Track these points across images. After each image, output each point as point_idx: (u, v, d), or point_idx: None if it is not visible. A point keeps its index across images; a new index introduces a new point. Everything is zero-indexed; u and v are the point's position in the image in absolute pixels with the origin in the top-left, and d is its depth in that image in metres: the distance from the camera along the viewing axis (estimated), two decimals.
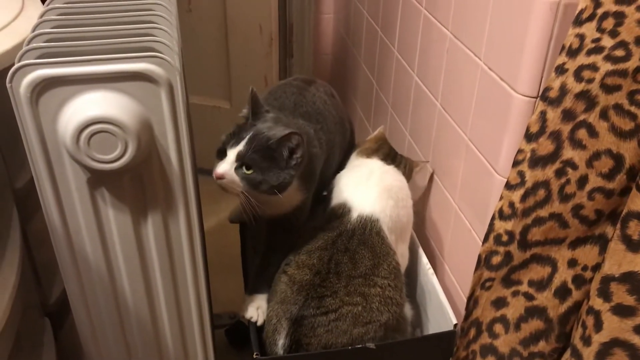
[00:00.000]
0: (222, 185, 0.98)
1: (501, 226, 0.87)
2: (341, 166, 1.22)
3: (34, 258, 1.15)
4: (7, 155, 1.05)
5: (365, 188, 1.11)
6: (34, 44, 0.82)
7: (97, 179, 0.84)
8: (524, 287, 0.87)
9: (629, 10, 0.72)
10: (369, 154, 1.19)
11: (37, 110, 0.78)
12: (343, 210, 1.09)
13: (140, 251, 0.92)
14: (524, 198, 0.83)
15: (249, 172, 0.96)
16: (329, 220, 1.09)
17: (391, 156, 1.19)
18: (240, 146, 0.98)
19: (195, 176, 0.93)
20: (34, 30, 0.87)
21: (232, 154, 0.98)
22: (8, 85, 0.76)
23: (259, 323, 1.06)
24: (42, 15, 0.91)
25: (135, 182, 0.86)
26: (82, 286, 0.94)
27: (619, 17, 0.73)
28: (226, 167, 0.97)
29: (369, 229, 1.06)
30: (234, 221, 1.24)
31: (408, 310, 1.12)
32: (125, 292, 0.96)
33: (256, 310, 1.06)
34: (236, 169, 0.97)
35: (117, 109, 0.78)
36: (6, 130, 1.02)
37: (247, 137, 0.98)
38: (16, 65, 0.76)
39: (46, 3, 0.97)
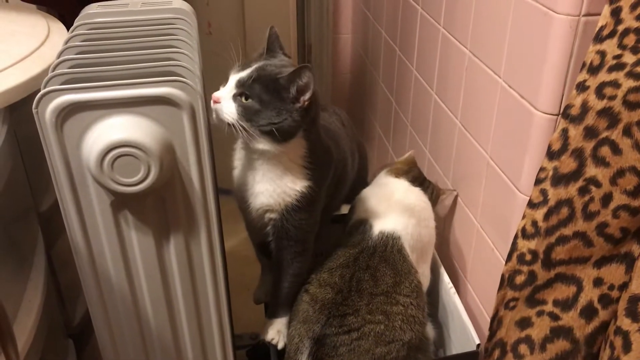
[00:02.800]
0: (216, 112, 0.91)
1: (524, 245, 0.86)
2: (348, 198, 1.20)
3: (58, 280, 1.16)
4: (32, 178, 1.07)
5: (388, 205, 1.11)
6: (59, 70, 0.83)
7: (121, 202, 0.85)
8: (549, 307, 0.86)
9: None
10: (398, 174, 1.19)
11: (62, 134, 0.80)
12: (365, 227, 1.09)
13: (162, 272, 0.93)
14: (547, 216, 0.82)
15: (247, 101, 0.90)
16: (350, 236, 1.09)
17: (419, 180, 1.18)
18: (244, 73, 0.92)
19: (216, 197, 0.94)
20: (59, 56, 0.89)
21: (233, 79, 0.92)
22: (34, 110, 0.78)
23: (280, 346, 1.05)
24: (67, 42, 0.93)
25: (158, 204, 0.87)
26: (105, 307, 0.94)
27: None
28: (224, 92, 0.91)
29: (390, 246, 1.06)
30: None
31: (430, 330, 1.11)
32: (148, 313, 0.96)
33: (277, 333, 1.06)
34: (234, 96, 0.91)
35: (140, 133, 0.79)
36: (31, 155, 1.04)
37: (254, 66, 0.92)
38: (42, 92, 0.77)
39: (71, 30, 0.99)
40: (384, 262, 1.04)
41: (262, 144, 0.93)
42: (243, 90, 0.91)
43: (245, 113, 0.90)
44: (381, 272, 1.03)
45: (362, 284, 1.01)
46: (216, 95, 0.92)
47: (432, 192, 1.18)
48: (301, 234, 1.02)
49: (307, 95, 0.90)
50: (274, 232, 1.02)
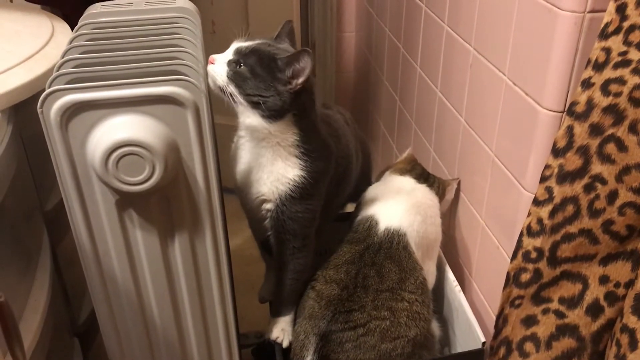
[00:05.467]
0: (209, 74, 0.94)
1: (530, 243, 0.86)
2: (353, 197, 1.21)
3: (63, 279, 1.16)
4: (38, 178, 1.07)
5: (394, 202, 1.11)
6: (64, 70, 0.84)
7: (125, 201, 0.85)
8: (555, 305, 0.85)
9: None
10: (402, 172, 1.19)
11: (66, 134, 0.80)
12: (370, 223, 1.09)
13: (167, 271, 0.93)
14: (552, 214, 0.82)
15: (240, 68, 0.93)
16: (356, 233, 1.09)
17: (424, 176, 1.19)
18: (245, 43, 0.96)
19: (221, 196, 0.94)
20: (63, 56, 0.89)
21: (233, 46, 0.96)
22: (39, 110, 0.78)
23: (285, 345, 1.05)
24: (71, 42, 0.94)
25: (163, 203, 0.87)
26: (111, 306, 0.95)
27: None
28: (221, 55, 0.96)
29: (395, 242, 1.06)
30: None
31: (436, 327, 1.10)
32: (153, 312, 0.96)
33: (281, 331, 1.06)
34: (230, 62, 0.94)
35: (145, 132, 0.79)
36: (37, 154, 1.04)
37: (258, 41, 0.97)
38: (47, 91, 0.77)
39: (75, 29, 0.99)
40: (389, 259, 1.04)
41: (250, 118, 0.95)
42: (239, 58, 0.94)
43: (235, 78, 0.93)
44: (386, 268, 1.03)
45: (368, 280, 1.02)
46: (213, 56, 0.96)
47: (439, 185, 1.18)
48: (298, 228, 1.02)
49: (301, 79, 0.92)
50: (272, 226, 1.02)
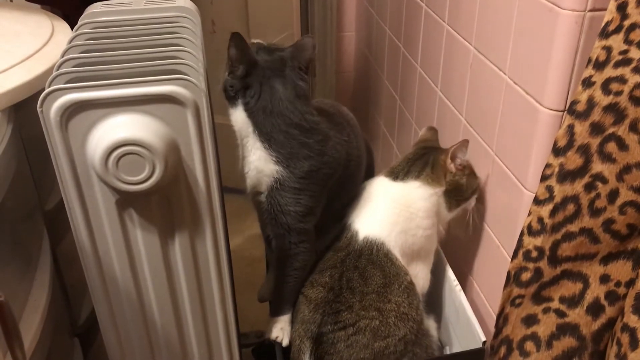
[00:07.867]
0: None
1: (530, 242, 0.86)
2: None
3: (63, 279, 1.16)
4: (38, 178, 1.07)
5: (370, 209, 1.08)
6: (64, 69, 0.83)
7: (126, 200, 0.85)
8: (555, 304, 0.85)
9: None
10: (385, 173, 1.13)
11: (66, 133, 0.80)
12: (351, 232, 1.07)
13: (167, 271, 0.93)
14: (553, 213, 0.82)
15: None
16: (339, 241, 1.08)
17: (403, 169, 1.10)
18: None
19: (221, 195, 0.94)
20: (63, 55, 0.89)
21: None
22: (39, 109, 0.78)
23: (285, 343, 1.05)
24: (70, 41, 0.93)
25: (163, 203, 0.87)
26: (111, 306, 0.94)
27: None
28: None
29: (375, 250, 1.04)
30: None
31: (433, 328, 1.10)
32: (153, 312, 0.96)
33: (280, 330, 1.06)
34: None
35: (145, 131, 0.79)
36: (36, 154, 1.04)
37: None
38: (46, 90, 0.77)
39: (75, 29, 0.99)
40: (371, 264, 1.03)
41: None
42: None
43: None
44: (370, 272, 1.02)
45: (353, 283, 1.02)
46: None
47: (433, 164, 1.09)
48: (292, 222, 1.01)
49: (229, 63, 0.99)
50: (267, 218, 1.03)
